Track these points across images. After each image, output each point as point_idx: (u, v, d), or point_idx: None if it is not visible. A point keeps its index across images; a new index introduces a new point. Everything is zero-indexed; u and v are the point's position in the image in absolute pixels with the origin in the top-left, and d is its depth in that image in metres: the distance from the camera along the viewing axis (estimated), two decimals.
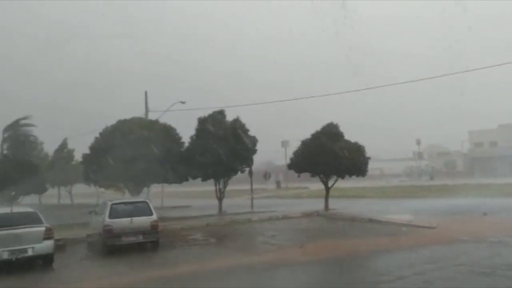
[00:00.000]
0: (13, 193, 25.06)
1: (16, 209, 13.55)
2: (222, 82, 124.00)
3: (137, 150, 21.55)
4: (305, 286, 9.62)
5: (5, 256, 11.42)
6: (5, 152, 35.73)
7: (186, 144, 24.80)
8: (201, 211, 26.20)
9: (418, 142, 77.38)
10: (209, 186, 27.18)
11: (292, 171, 26.71)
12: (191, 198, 39.61)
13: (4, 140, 37.84)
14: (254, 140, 24.75)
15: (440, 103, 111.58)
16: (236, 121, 24.66)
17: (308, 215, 23.07)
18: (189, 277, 10.75)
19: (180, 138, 24.97)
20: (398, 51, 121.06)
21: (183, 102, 30.22)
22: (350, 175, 24.56)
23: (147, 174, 22.69)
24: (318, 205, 25.39)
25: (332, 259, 12.02)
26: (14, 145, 37.51)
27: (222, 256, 13.37)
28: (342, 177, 24.81)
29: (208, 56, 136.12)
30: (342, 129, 24.52)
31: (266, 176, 36.39)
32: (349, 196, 34.20)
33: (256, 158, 25.92)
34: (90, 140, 24.42)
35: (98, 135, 24.25)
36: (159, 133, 23.72)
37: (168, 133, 24.46)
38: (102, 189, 30.41)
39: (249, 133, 24.77)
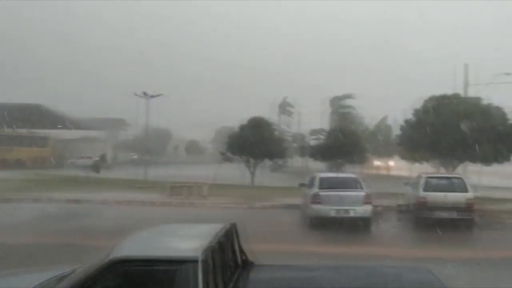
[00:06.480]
0: (339, 161, 28.44)
1: (342, 175, 15.79)
2: None
3: (451, 126, 21.23)
4: None
5: (332, 213, 13.42)
6: (332, 124, 40.91)
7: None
8: None
9: None
10: None
11: None
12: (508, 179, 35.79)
13: (332, 113, 43.48)
14: None
15: None
16: None
17: None
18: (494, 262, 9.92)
19: (504, 113, 23.02)
20: None
21: (508, 74, 27.47)
22: None
23: (461, 150, 22.05)
24: None
25: None
26: (338, 117, 42.54)
27: None
28: None
29: None
30: None
31: None
32: None
33: None
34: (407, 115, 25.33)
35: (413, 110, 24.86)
36: (478, 110, 22.52)
37: (487, 109, 22.92)
38: (415, 163, 31.04)
39: None
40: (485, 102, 23.74)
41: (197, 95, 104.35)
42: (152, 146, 51.03)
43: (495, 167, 25.69)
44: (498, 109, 23.15)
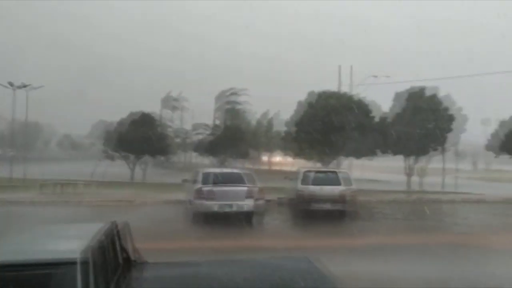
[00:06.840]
0: (222, 156, 28.74)
1: (225, 170, 15.91)
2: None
3: (329, 122, 22.66)
4: None
5: (215, 208, 13.48)
6: (216, 119, 41.22)
7: (377, 119, 25.00)
8: (389, 186, 26.12)
9: None
10: (399, 162, 27.03)
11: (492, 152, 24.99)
12: (379, 172, 39.58)
13: (217, 109, 43.86)
14: (450, 118, 23.76)
15: None
16: (433, 97, 23.95)
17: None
18: (372, 249, 10.64)
19: (370, 111, 25.14)
20: None
21: (375, 76, 30.37)
22: None
23: (339, 145, 23.67)
24: None
25: None
26: (223, 112, 43.13)
27: (404, 232, 13.44)
28: None
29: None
30: None
31: (458, 155, 34.06)
32: None
33: (455, 137, 25.30)
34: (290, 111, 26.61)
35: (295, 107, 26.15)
36: (351, 106, 24.31)
37: (360, 106, 24.85)
38: (296, 158, 32.57)
39: (448, 111, 24.15)
40: (356, 99, 25.77)
41: (72, 87, 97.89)
42: (19, 140, 46.65)
43: (363, 160, 28.03)
44: (364, 104, 25.21)
